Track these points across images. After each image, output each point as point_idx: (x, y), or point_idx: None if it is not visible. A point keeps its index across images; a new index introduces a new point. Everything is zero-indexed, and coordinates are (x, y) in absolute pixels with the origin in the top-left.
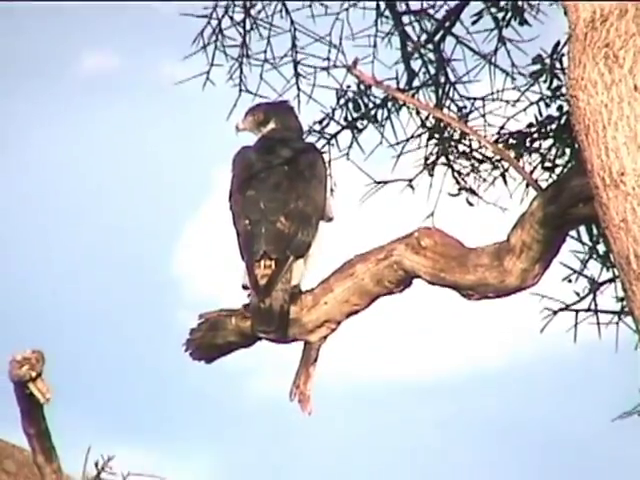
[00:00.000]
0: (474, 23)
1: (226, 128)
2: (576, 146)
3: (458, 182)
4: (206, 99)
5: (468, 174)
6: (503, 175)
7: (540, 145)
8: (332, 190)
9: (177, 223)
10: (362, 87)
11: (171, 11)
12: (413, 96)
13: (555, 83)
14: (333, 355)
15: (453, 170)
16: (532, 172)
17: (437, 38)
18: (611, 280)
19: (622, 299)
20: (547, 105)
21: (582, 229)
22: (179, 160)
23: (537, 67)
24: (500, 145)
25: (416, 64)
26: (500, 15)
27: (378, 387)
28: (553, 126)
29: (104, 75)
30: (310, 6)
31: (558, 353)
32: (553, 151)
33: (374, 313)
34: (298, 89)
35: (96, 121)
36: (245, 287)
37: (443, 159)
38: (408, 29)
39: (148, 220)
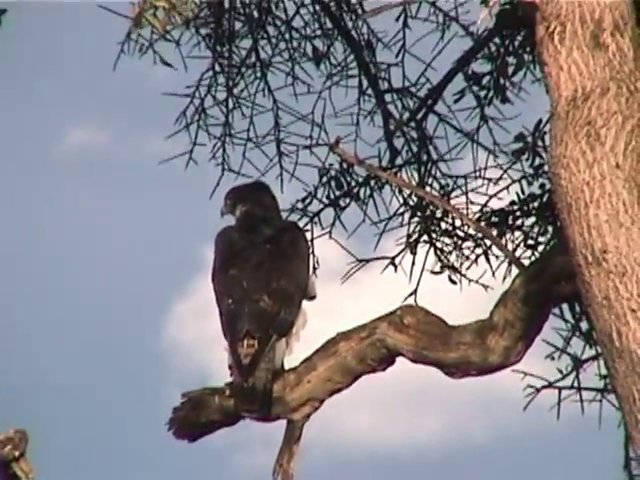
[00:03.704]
0: (456, 101)
1: (210, 206)
2: (558, 224)
3: (441, 260)
4: (190, 178)
5: (451, 252)
6: (486, 253)
7: (522, 223)
8: (315, 268)
9: (164, 300)
10: (344, 165)
11: (155, 87)
12: (396, 174)
13: (537, 161)
14: (317, 429)
15: (436, 248)
16: (515, 250)
17: (419, 116)
18: (594, 358)
19: (605, 376)
20: (529, 183)
21: (565, 307)
22: (165, 237)
23: (519, 145)
24: (482, 223)
25: (399, 142)
26: (482, 93)
27: (363, 461)
28: (535, 204)
29: (89, 152)
30: (292, 85)
31: (543, 429)
32: (536, 229)
33: (358, 385)
34: (281, 167)
35: (81, 198)
36: (231, 367)
37: (425, 237)
38: (390, 107)
39: (135, 298)
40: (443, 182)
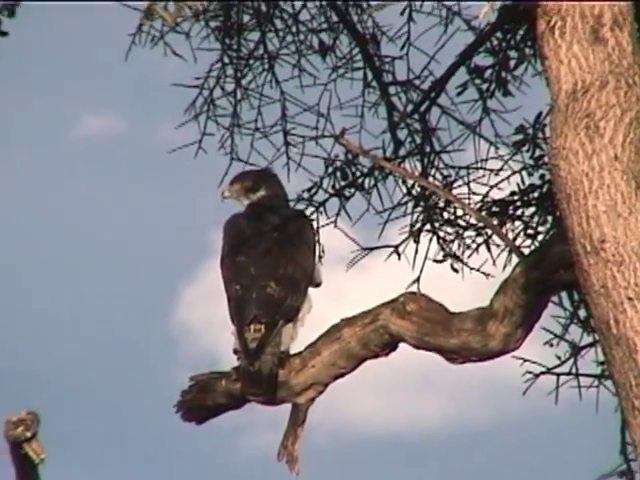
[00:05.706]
0: (459, 94)
1: (218, 194)
2: (558, 214)
3: (443, 248)
4: (199, 166)
5: (453, 241)
6: (487, 242)
7: (523, 213)
8: (320, 256)
9: (174, 285)
10: (350, 156)
11: (166, 78)
12: (399, 165)
13: (537, 152)
14: (322, 413)
15: (438, 237)
16: (515, 239)
17: (423, 108)
18: (592, 344)
19: (602, 363)
20: (530, 174)
21: (563, 295)
22: (175, 223)
23: (520, 137)
24: (484, 213)
25: (402, 133)
26: (484, 86)
27: (367, 444)
28: (535, 194)
29: (102, 140)
30: (299, 76)
31: (542, 413)
32: (535, 219)
33: (362, 370)
34: (287, 157)
35: (94, 185)
36: (236, 352)
37: (428, 226)
38: (394, 99)
39: (145, 282)
40: (445, 173)
